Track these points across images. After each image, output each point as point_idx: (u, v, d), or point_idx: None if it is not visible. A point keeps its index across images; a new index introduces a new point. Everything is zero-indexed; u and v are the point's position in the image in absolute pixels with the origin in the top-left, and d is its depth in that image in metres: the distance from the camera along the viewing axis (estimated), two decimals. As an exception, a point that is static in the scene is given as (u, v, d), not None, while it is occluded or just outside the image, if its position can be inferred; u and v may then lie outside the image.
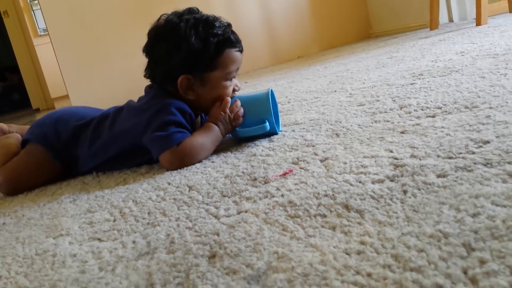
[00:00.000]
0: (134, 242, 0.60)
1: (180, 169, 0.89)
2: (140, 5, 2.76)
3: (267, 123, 0.97)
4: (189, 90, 0.96)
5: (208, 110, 1.01)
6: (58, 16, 2.61)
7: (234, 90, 1.01)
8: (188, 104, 0.95)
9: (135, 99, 1.04)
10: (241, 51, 0.99)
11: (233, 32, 0.98)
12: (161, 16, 0.98)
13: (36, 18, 4.02)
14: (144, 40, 0.99)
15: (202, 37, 0.93)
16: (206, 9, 1.02)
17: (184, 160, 0.89)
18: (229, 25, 0.98)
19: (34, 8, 4.02)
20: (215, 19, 0.96)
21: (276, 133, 1.01)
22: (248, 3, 3.07)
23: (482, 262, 0.39)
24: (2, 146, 1.06)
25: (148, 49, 0.98)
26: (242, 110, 0.97)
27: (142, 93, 1.03)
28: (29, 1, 4.05)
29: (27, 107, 4.98)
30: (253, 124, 0.98)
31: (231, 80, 0.99)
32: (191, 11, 0.97)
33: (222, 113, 0.96)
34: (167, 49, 0.94)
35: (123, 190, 0.84)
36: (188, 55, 0.93)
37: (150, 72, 0.99)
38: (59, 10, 2.62)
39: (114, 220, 0.70)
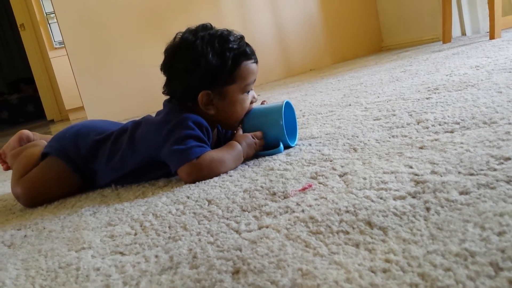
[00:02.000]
0: (156, 256, 0.60)
1: (198, 182, 0.90)
2: (155, 19, 2.80)
3: (282, 146, 1.00)
4: (209, 105, 0.97)
5: (228, 123, 1.02)
6: (74, 29, 2.66)
7: (251, 102, 1.02)
8: (207, 118, 0.97)
9: (150, 111, 1.06)
10: (256, 62, 1.01)
11: (247, 45, 1.00)
12: (176, 34, 1.00)
13: (52, 31, 4.11)
14: (159, 52, 1.01)
15: (219, 52, 0.95)
16: (220, 24, 1.04)
17: (202, 173, 0.90)
18: (242, 37, 1.00)
19: (50, 22, 4.10)
20: (229, 33, 0.98)
21: (290, 146, 1.02)
22: (261, 16, 3.10)
23: (511, 282, 0.39)
24: (24, 156, 1.08)
25: (166, 68, 1.00)
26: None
27: (158, 106, 1.05)
28: (45, 14, 4.13)
29: (42, 118, 5.05)
30: (267, 139, 1.00)
31: (248, 92, 1.00)
32: (205, 27, 0.99)
33: (250, 137, 0.98)
34: (186, 67, 0.96)
35: (143, 204, 0.85)
36: (207, 72, 0.94)
37: (169, 89, 1.01)
38: (76, 23, 2.67)
39: (135, 234, 0.71)
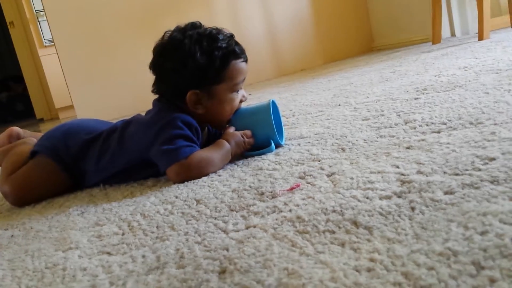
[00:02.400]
0: (143, 256, 0.60)
1: (187, 182, 0.90)
2: (146, 17, 2.80)
3: (273, 145, 1.00)
4: (198, 105, 0.97)
5: (217, 123, 1.02)
6: (64, 27, 2.65)
7: (241, 101, 1.03)
8: (197, 118, 0.97)
9: (140, 110, 1.05)
10: (246, 61, 1.00)
11: (237, 43, 0.99)
12: (165, 33, 0.99)
13: (42, 29, 4.07)
14: (150, 51, 1.01)
15: (207, 52, 0.95)
16: (211, 23, 1.03)
17: (191, 173, 0.90)
18: (232, 36, 1.00)
19: (40, 19, 4.07)
20: (218, 31, 0.98)
21: (281, 145, 1.03)
22: (252, 16, 3.11)
23: (492, 281, 0.39)
24: (14, 153, 1.07)
25: (154, 67, 1.00)
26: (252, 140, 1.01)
27: (148, 105, 1.05)
28: (35, 12, 4.10)
29: (31, 117, 5.01)
30: (256, 139, 1.01)
31: (238, 91, 1.00)
32: (194, 25, 0.98)
33: (240, 136, 0.98)
34: (174, 67, 0.95)
35: (131, 203, 0.85)
36: (195, 71, 0.94)
37: (157, 88, 1.01)
38: (66, 21, 2.65)
39: (123, 234, 0.71)
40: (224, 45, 0.96)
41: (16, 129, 1.20)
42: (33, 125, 4.05)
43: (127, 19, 2.78)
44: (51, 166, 1.02)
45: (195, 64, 0.94)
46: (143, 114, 1.04)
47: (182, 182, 0.90)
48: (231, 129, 1.00)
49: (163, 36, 0.99)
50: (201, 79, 0.95)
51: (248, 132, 1.00)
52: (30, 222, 0.87)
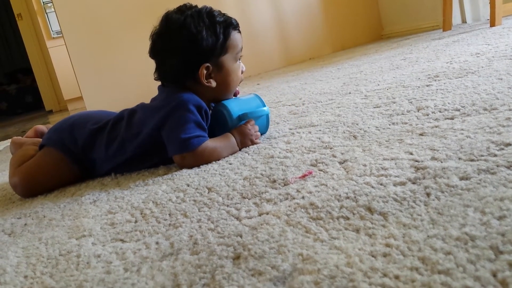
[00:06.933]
0: (157, 243, 0.60)
1: (198, 170, 0.90)
2: (154, 7, 2.78)
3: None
4: (210, 78, 1.00)
5: (223, 96, 1.05)
6: (72, 18, 2.64)
7: (242, 72, 1.07)
8: (204, 96, 0.99)
9: (149, 100, 1.06)
10: (240, 31, 1.05)
11: (229, 16, 1.05)
12: (162, 18, 1.01)
13: (50, 21, 4.08)
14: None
15: (211, 26, 0.99)
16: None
17: (199, 162, 0.93)
18: (220, 11, 1.04)
19: (47, 11, 4.07)
20: (211, 8, 1.02)
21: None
22: (260, 4, 3.08)
23: (511, 265, 0.39)
24: (22, 149, 1.10)
25: (158, 51, 1.01)
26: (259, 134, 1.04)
27: (156, 94, 1.05)
28: (42, 4, 4.10)
29: (40, 109, 5.04)
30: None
31: (239, 61, 1.05)
32: (188, 6, 1.02)
33: (244, 127, 1.00)
34: (183, 45, 0.97)
35: (143, 191, 0.85)
36: (204, 45, 0.97)
37: (161, 73, 1.02)
38: (74, 12, 2.65)
39: (136, 221, 0.71)
40: (222, 18, 1.01)
41: (40, 126, 1.27)
42: (42, 117, 4.08)
43: (136, 10, 2.77)
44: (59, 156, 1.02)
45: (203, 38, 0.97)
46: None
47: (188, 167, 0.93)
48: (245, 127, 1.02)
49: (161, 21, 1.01)
50: (210, 52, 0.98)
51: (252, 122, 1.03)
52: (43, 211, 0.88)
